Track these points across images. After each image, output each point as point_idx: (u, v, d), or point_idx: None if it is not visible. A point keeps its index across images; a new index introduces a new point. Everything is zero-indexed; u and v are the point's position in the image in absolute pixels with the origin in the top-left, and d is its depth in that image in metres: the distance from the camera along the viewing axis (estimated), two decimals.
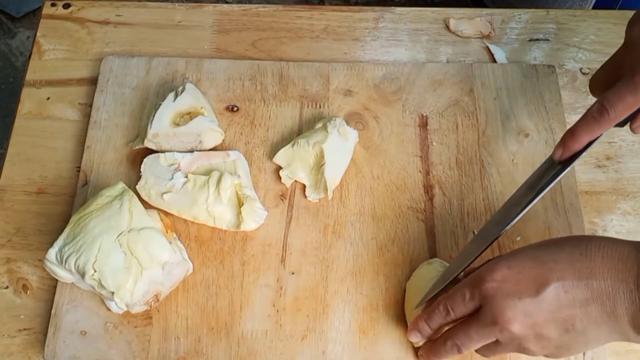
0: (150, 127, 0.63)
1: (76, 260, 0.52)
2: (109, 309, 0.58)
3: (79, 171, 0.66)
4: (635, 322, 0.44)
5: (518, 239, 0.62)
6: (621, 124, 0.52)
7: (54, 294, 0.59)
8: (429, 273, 0.58)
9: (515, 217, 0.52)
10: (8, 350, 0.59)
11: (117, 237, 0.53)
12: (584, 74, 0.73)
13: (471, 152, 0.67)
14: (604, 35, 0.76)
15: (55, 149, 0.68)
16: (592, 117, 0.51)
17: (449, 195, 0.65)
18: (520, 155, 0.67)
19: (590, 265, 0.45)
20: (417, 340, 0.54)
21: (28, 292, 0.61)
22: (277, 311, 0.59)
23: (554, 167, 0.53)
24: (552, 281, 0.45)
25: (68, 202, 0.65)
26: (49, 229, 0.64)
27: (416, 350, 0.57)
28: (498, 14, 0.77)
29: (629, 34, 0.52)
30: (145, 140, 0.63)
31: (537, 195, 0.52)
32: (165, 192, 0.61)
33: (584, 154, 0.52)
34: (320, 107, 0.69)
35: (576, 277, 0.45)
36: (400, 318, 0.59)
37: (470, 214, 0.64)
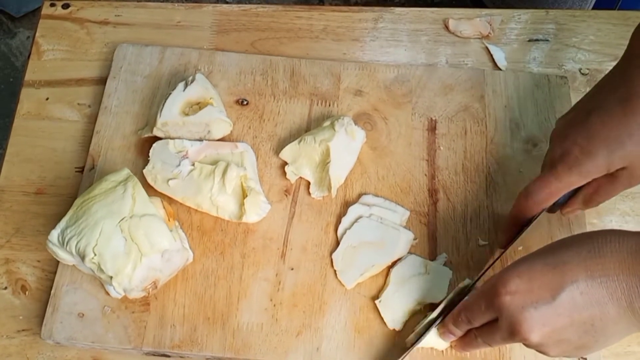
0: (160, 115, 0.63)
1: (77, 243, 0.53)
2: (107, 293, 0.59)
3: (78, 171, 0.66)
4: None
5: (520, 248, 0.62)
6: (551, 210, 0.57)
7: None
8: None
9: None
10: (7, 351, 0.59)
11: (119, 222, 0.54)
12: (583, 74, 0.73)
13: (478, 159, 0.67)
14: (603, 35, 0.75)
15: (54, 149, 0.68)
16: (519, 203, 0.56)
17: (453, 200, 0.64)
18: (527, 165, 0.66)
19: (600, 262, 0.44)
20: (451, 340, 0.56)
21: (27, 292, 0.61)
22: (274, 305, 0.59)
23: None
24: (566, 284, 0.45)
25: (67, 202, 0.64)
26: (48, 230, 0.62)
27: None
28: (497, 14, 0.77)
29: (555, 129, 0.56)
30: (154, 129, 0.64)
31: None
32: (171, 179, 0.62)
33: (520, 235, 0.57)
34: (329, 105, 0.69)
35: (589, 276, 0.44)
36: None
37: (474, 221, 0.63)
